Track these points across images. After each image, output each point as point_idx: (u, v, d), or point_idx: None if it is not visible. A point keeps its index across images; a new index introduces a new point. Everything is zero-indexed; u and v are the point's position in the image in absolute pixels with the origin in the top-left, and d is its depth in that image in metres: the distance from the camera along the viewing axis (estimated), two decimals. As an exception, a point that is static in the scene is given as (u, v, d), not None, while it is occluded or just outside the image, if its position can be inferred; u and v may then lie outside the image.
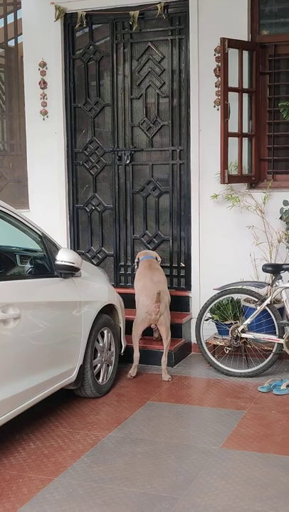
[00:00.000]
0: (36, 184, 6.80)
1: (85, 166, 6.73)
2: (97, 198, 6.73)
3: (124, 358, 5.69)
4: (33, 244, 4.73)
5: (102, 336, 5.23)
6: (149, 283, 5.64)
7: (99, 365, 5.17)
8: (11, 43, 7.14)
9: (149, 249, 6.42)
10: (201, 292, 6.20)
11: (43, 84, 6.66)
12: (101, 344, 5.20)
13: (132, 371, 5.57)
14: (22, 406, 4.21)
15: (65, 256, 4.60)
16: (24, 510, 3.55)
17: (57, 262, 4.59)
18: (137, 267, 5.93)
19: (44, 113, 6.68)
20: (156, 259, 6.00)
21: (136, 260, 6.05)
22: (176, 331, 5.97)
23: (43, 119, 6.70)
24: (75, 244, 6.77)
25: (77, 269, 4.71)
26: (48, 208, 6.72)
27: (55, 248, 4.73)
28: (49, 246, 4.68)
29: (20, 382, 4.16)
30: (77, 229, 6.83)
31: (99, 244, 6.78)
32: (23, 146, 6.92)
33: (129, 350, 5.67)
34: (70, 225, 6.80)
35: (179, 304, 6.30)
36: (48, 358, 4.50)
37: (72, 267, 4.64)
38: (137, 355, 5.57)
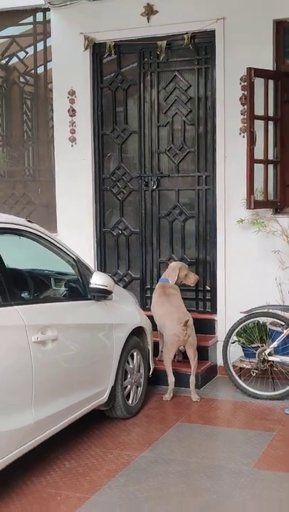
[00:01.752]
0: (64, 209, 6.99)
1: (112, 191, 6.92)
2: (123, 223, 6.91)
3: (152, 380, 5.80)
4: (65, 268, 4.89)
5: (132, 358, 5.36)
6: (170, 308, 5.81)
7: (129, 386, 5.30)
8: (39, 70, 7.38)
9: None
10: (226, 315, 6.33)
11: (72, 112, 6.88)
12: (131, 366, 5.33)
13: (168, 395, 5.70)
14: (57, 426, 4.34)
15: (99, 279, 4.76)
16: (64, 527, 3.67)
17: (91, 285, 4.75)
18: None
19: (73, 140, 6.89)
20: (179, 272, 6.04)
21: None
22: (202, 353, 6.08)
23: (72, 146, 6.90)
24: (101, 268, 6.93)
25: (110, 292, 4.87)
26: (75, 231, 6.89)
27: (89, 272, 4.89)
28: (83, 269, 4.84)
29: (56, 402, 4.29)
30: (104, 252, 7.00)
31: (125, 268, 6.94)
32: (52, 172, 7.12)
33: (157, 372, 5.79)
34: (97, 248, 6.98)
35: (205, 327, 6.42)
36: (82, 378, 4.64)
37: (106, 290, 4.80)
38: (172, 379, 5.70)
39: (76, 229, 6.92)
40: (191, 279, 6.15)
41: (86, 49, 6.74)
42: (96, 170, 6.91)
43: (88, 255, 6.85)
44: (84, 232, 6.94)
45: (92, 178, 6.89)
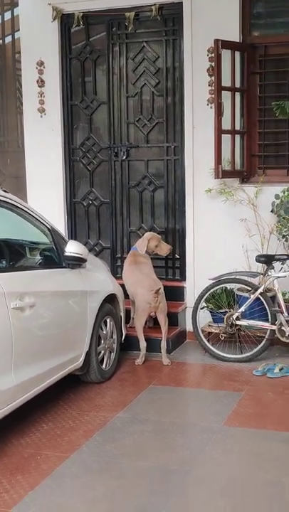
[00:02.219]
0: (34, 179, 7.05)
1: (82, 161, 7.00)
2: (94, 193, 7.01)
3: (124, 346, 5.98)
4: (40, 237, 5.00)
5: (105, 324, 5.52)
6: (140, 276, 5.98)
7: (103, 351, 5.46)
8: (6, 39, 7.37)
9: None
10: (195, 282, 6.52)
11: (41, 83, 6.90)
12: (104, 332, 5.49)
13: (140, 359, 5.89)
14: (36, 389, 4.49)
15: (73, 248, 4.89)
16: (46, 483, 3.84)
17: (66, 254, 4.87)
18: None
19: (42, 110, 6.92)
20: (148, 242, 6.17)
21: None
22: (171, 319, 6.24)
23: (41, 117, 6.93)
24: (72, 238, 7.03)
25: (84, 260, 5.00)
26: (46, 202, 6.94)
27: (63, 241, 5.01)
28: (57, 238, 4.95)
29: (35, 366, 4.44)
30: (74, 223, 7.11)
31: (96, 237, 7.06)
32: (21, 143, 7.16)
33: (129, 337, 5.97)
34: (67, 218, 7.08)
35: (174, 294, 6.60)
36: (59, 344, 4.79)
37: (80, 258, 4.93)
38: (143, 344, 5.88)
39: (46, 199, 6.98)
40: (164, 250, 6.29)
41: (54, 20, 6.75)
42: (65, 140, 6.97)
43: (59, 225, 6.87)
44: (54, 202, 7.01)
45: (61, 148, 6.95)
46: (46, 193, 7.01)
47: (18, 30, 7.03)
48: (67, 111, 6.93)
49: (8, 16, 7.30)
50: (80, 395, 5.19)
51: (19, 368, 4.23)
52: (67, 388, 5.26)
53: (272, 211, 6.10)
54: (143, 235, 6.43)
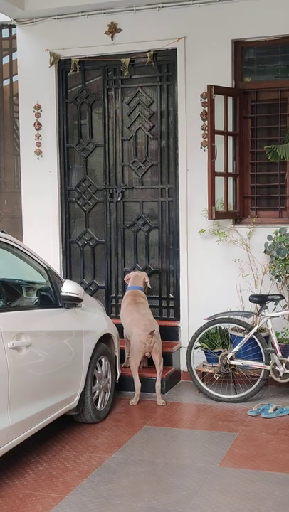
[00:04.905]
0: (30, 219, 7.13)
1: (78, 202, 7.10)
2: (89, 233, 7.09)
3: (119, 386, 5.98)
4: (37, 277, 5.04)
5: (100, 364, 5.52)
6: (137, 316, 6.01)
7: (97, 391, 5.46)
8: (4, 82, 7.52)
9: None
10: (189, 322, 6.56)
11: (38, 126, 7.03)
12: (99, 372, 5.49)
13: (134, 400, 5.88)
14: (32, 429, 4.48)
15: (70, 287, 4.93)
16: (41, 525, 3.80)
17: (62, 293, 4.91)
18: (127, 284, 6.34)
19: (38, 153, 7.04)
20: (144, 280, 6.34)
21: (126, 278, 6.43)
22: (166, 359, 6.26)
23: (38, 159, 7.06)
24: (67, 277, 7.07)
25: (80, 300, 5.04)
26: (41, 242, 7.02)
27: (59, 280, 5.05)
28: (54, 278, 5.00)
29: (30, 407, 4.43)
30: (70, 262, 7.16)
31: (91, 277, 7.11)
32: (18, 184, 7.25)
33: (123, 377, 5.98)
34: (63, 258, 7.14)
35: (169, 334, 6.63)
36: (55, 384, 4.79)
37: (76, 297, 4.97)
38: (138, 384, 5.88)
39: (42, 240, 7.05)
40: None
41: (52, 65, 6.92)
42: (62, 182, 7.08)
43: (54, 265, 6.97)
44: (50, 242, 7.08)
45: (57, 189, 7.05)
46: (42, 233, 7.08)
47: (16, 74, 7.20)
48: (63, 153, 7.05)
49: (6, 60, 7.46)
50: (75, 436, 5.16)
51: (15, 408, 4.22)
52: (61, 429, 5.25)
53: (265, 252, 6.18)
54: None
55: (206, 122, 6.30)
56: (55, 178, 7.02)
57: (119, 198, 6.88)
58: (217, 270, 6.46)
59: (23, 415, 4.33)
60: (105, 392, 5.61)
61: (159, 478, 4.41)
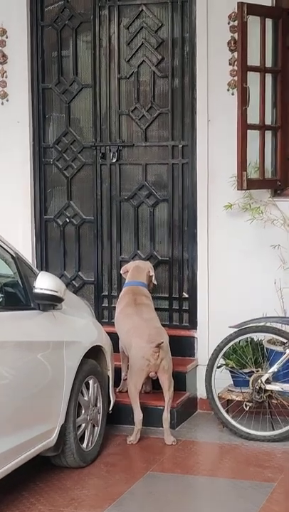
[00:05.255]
0: (-8, 189, 7.20)
1: (57, 165, 7.14)
2: (72, 208, 7.14)
3: (113, 417, 6.04)
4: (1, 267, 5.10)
5: (88, 388, 5.59)
6: (139, 322, 6.06)
7: (83, 425, 5.53)
8: None
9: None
10: (210, 331, 6.62)
11: (2, 58, 7.08)
12: (86, 398, 5.56)
13: (134, 437, 5.94)
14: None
15: (46, 282, 4.97)
16: None
17: (36, 290, 4.95)
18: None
19: (3, 95, 7.09)
20: (148, 273, 6.40)
21: (123, 271, 6.50)
22: (177, 382, 6.29)
23: (2, 104, 7.11)
24: (42, 268, 7.10)
25: (60, 300, 5.09)
26: (7, 220, 7.04)
27: (32, 272, 5.10)
28: (24, 269, 5.05)
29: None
30: (45, 248, 7.24)
31: (75, 269, 7.18)
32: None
33: (119, 406, 6.05)
34: (36, 242, 7.21)
35: (182, 347, 6.69)
36: (24, 414, 4.84)
37: (55, 296, 5.01)
38: (139, 416, 5.92)
39: (7, 217, 7.08)
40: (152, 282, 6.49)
41: (21, -26, 6.96)
42: (34, 136, 7.13)
43: (25, 252, 6.96)
44: (18, 220, 7.15)
45: (29, 147, 7.11)
46: (7, 208, 7.13)
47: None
48: (37, 97, 7.11)
49: None
50: (52, 485, 5.22)
51: None
52: (32, 475, 5.30)
53: (315, 235, 6.23)
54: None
55: (236, 54, 6.32)
56: (25, 131, 7.08)
57: (115, 160, 6.92)
58: (249, 260, 6.50)
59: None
60: (94, 426, 5.68)
61: None
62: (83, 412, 5.51)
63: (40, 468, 5.38)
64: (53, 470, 5.42)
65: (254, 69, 6.29)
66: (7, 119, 7.10)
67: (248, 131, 6.27)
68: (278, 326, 6.12)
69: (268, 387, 6.00)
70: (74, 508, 4.90)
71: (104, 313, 7.04)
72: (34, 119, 7.11)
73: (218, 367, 6.19)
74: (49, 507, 4.92)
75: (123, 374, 6.32)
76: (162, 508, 4.93)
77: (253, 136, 6.32)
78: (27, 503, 4.96)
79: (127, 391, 6.07)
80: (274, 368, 6.00)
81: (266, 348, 6.26)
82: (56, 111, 7.15)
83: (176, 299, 6.88)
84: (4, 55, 7.08)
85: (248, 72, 6.24)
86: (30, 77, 7.07)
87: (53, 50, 7.11)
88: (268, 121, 6.46)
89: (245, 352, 6.22)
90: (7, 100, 7.09)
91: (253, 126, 6.31)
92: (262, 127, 6.36)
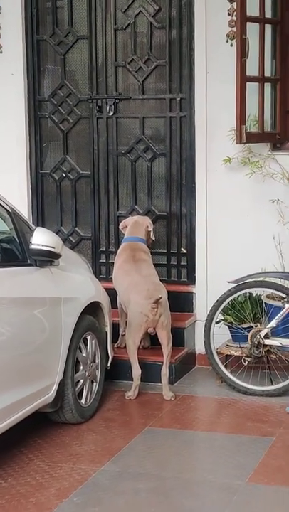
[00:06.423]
0: (-14, 143, 7.15)
1: (53, 118, 7.09)
2: (68, 162, 7.11)
3: (111, 373, 6.08)
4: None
5: (86, 344, 5.61)
6: (137, 278, 6.06)
7: (82, 380, 5.56)
8: None
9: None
10: (208, 287, 6.63)
11: (-5, 10, 7.01)
12: (84, 354, 5.59)
13: (133, 392, 5.98)
14: (-9, 432, 4.58)
15: (42, 238, 4.96)
16: None
17: (32, 246, 4.94)
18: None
19: (-4, 48, 7.04)
20: (147, 228, 6.39)
21: (121, 226, 6.52)
22: (176, 337, 6.31)
23: (-5, 56, 7.05)
24: (39, 224, 7.10)
25: (58, 256, 5.08)
26: (2, 174, 7.02)
27: (28, 228, 5.09)
28: (20, 225, 5.04)
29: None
30: (42, 203, 7.22)
31: (71, 224, 7.16)
32: None
33: (117, 362, 6.09)
34: (32, 197, 7.19)
35: (180, 303, 6.71)
36: (22, 370, 4.86)
37: (52, 252, 5.00)
38: (137, 372, 5.96)
39: (3, 172, 7.06)
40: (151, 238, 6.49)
41: None
42: (29, 89, 7.08)
43: (21, 207, 6.94)
44: (14, 175, 7.11)
45: (23, 100, 7.06)
46: (2, 163, 7.09)
47: None
48: (31, 48, 7.04)
49: None
50: (51, 441, 5.27)
51: None
52: (31, 431, 5.34)
53: (315, 189, 6.22)
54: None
55: (235, 4, 6.24)
56: (20, 83, 7.02)
57: (111, 113, 6.87)
58: (247, 215, 6.50)
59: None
60: (92, 382, 5.71)
61: (166, 498, 4.52)
62: (81, 367, 5.54)
63: (39, 425, 5.41)
64: (52, 426, 5.46)
65: (253, 19, 6.21)
66: (1, 72, 7.05)
67: (247, 83, 6.21)
68: (277, 280, 6.12)
69: (267, 342, 6.03)
70: (73, 464, 4.94)
71: (101, 269, 7.04)
72: (29, 72, 7.05)
73: (217, 322, 6.21)
74: (48, 462, 4.96)
75: (121, 330, 6.35)
76: (161, 463, 4.97)
77: (252, 88, 6.26)
78: (25, 459, 5.00)
79: (125, 347, 6.09)
80: (273, 323, 6.03)
81: (265, 303, 6.29)
82: (51, 63, 7.09)
83: (175, 254, 6.88)
84: (-4, 6, 7.01)
85: (248, 23, 6.16)
86: (25, 28, 7.00)
87: (48, 1, 7.01)
88: (268, 73, 6.40)
89: (243, 307, 6.24)
90: (1, 52, 7.04)
91: (252, 79, 6.25)
92: (261, 79, 6.31)
